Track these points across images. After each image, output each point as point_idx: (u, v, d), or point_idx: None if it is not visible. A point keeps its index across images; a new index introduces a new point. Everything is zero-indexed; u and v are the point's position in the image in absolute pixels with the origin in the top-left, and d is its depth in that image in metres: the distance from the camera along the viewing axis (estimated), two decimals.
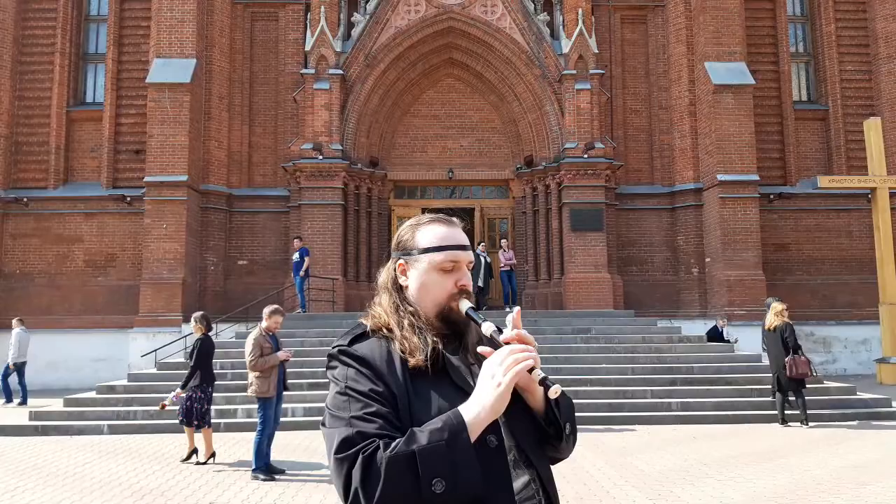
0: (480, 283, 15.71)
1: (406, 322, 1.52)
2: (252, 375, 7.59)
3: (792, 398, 10.63)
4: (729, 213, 17.03)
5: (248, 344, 7.62)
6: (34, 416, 10.85)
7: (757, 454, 8.46)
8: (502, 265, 16.73)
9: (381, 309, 1.57)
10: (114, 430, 10.42)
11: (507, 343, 1.44)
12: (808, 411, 10.58)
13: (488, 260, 16.33)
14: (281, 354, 7.66)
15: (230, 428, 10.42)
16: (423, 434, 1.32)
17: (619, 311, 16.38)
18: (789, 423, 10.49)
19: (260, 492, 6.81)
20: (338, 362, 1.49)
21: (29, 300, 17.49)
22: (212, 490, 6.88)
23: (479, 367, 1.47)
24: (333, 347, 1.52)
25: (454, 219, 1.64)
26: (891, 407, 11.39)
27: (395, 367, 1.46)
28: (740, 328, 15.59)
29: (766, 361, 11.82)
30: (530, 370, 1.40)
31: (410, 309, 1.54)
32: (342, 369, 1.47)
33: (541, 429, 1.52)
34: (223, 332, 15.20)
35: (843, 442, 9.31)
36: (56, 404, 11.52)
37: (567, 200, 17.44)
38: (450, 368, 1.50)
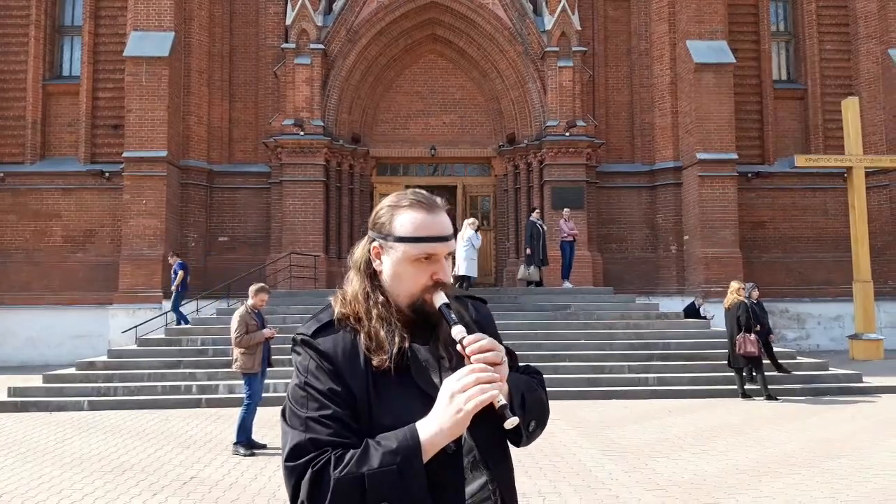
0: (541, 255, 15.12)
1: (375, 312, 1.45)
2: (237, 351, 7.67)
3: (755, 374, 11.06)
4: (707, 191, 17.19)
5: (234, 320, 7.69)
6: (13, 392, 10.79)
7: (730, 428, 8.66)
8: (565, 235, 15.72)
9: (352, 293, 1.51)
10: (94, 407, 10.40)
11: (474, 354, 1.36)
12: (783, 385, 10.99)
13: (545, 228, 15.48)
14: (266, 332, 7.75)
15: (211, 403, 10.44)
16: (376, 453, 1.29)
17: (598, 288, 16.51)
18: (753, 398, 10.75)
19: (241, 466, 6.88)
20: (302, 350, 1.46)
21: (7, 277, 17.31)
22: (192, 465, 6.93)
23: (448, 361, 1.46)
24: (298, 334, 1.47)
25: (438, 200, 1.52)
26: (861, 382, 11.66)
27: (358, 364, 1.42)
28: (717, 305, 15.74)
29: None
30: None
31: (381, 299, 1.48)
32: (305, 359, 1.44)
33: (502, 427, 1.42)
34: (204, 309, 15.20)
35: (815, 416, 9.54)
36: (36, 381, 11.45)
37: (548, 178, 17.50)
38: (415, 368, 1.44)
